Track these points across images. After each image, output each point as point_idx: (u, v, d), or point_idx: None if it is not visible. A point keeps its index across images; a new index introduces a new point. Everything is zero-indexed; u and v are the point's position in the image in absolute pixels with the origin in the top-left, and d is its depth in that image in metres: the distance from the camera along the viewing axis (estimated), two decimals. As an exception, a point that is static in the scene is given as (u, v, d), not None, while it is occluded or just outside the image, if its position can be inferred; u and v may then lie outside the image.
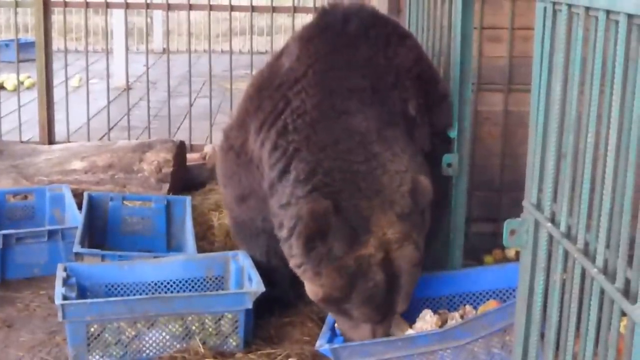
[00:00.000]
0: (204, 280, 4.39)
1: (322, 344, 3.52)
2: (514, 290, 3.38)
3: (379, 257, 3.43)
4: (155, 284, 4.34)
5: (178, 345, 3.91)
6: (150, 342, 3.89)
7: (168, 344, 3.91)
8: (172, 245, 5.41)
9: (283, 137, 3.69)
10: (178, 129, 8.57)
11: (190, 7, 7.49)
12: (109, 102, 7.68)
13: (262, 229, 4.00)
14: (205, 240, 5.39)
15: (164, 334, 3.90)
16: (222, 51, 13.69)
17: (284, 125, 3.71)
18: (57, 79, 7.78)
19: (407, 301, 3.60)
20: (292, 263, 3.59)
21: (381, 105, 3.74)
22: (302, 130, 3.65)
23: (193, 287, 4.38)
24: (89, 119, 7.51)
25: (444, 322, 3.78)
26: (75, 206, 5.29)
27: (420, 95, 3.89)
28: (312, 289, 3.56)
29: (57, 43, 10.54)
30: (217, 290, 4.36)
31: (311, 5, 7.93)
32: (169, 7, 7.57)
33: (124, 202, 5.48)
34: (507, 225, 2.60)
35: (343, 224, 3.40)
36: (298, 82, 3.79)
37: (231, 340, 3.97)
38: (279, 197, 3.65)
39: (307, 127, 3.65)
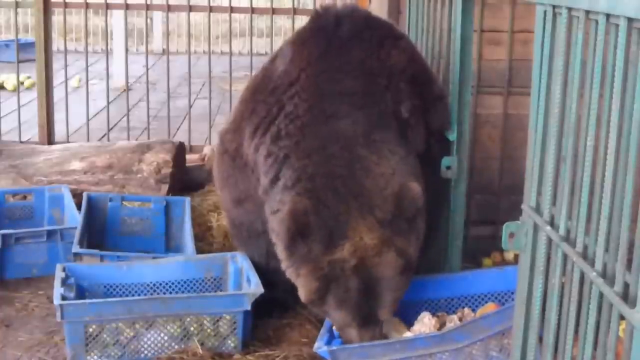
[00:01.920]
0: (203, 281, 4.39)
1: (320, 346, 3.52)
2: (512, 293, 3.37)
3: (352, 263, 3.43)
4: (154, 285, 4.34)
5: (176, 346, 3.91)
6: (149, 342, 3.89)
7: (166, 344, 3.91)
8: (170, 246, 5.41)
9: (276, 143, 3.71)
10: (177, 130, 8.56)
11: (190, 8, 7.48)
12: (108, 103, 7.67)
13: (262, 231, 4.01)
14: (204, 241, 5.39)
15: (162, 334, 3.90)
16: (221, 52, 13.68)
17: (277, 131, 3.73)
18: (57, 80, 7.77)
19: (391, 309, 3.59)
20: (282, 266, 3.63)
21: (372, 108, 3.73)
22: (293, 136, 3.68)
23: (192, 288, 4.38)
24: (88, 120, 7.50)
25: (442, 324, 3.77)
26: (74, 206, 5.29)
27: (415, 96, 3.89)
28: (298, 290, 3.60)
29: (57, 43, 10.54)
30: (215, 291, 4.36)
31: (311, 7, 7.93)
32: (169, 8, 7.57)
33: (123, 202, 5.47)
34: (506, 228, 2.61)
35: (321, 225, 3.43)
36: (292, 86, 3.81)
37: (229, 342, 3.97)
38: (270, 203, 3.68)
39: (297, 133, 3.68)
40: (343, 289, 3.49)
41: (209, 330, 3.94)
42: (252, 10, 7.41)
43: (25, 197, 5.64)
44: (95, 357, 3.86)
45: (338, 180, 3.51)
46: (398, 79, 3.86)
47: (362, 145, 3.59)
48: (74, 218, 5.15)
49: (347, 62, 3.84)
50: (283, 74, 3.88)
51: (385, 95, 3.80)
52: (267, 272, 4.10)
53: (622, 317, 1.98)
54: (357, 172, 3.52)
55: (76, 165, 6.08)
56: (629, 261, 1.94)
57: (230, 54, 7.67)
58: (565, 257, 2.33)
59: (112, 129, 7.85)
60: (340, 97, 3.73)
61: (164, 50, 13.78)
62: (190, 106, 7.70)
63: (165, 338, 3.91)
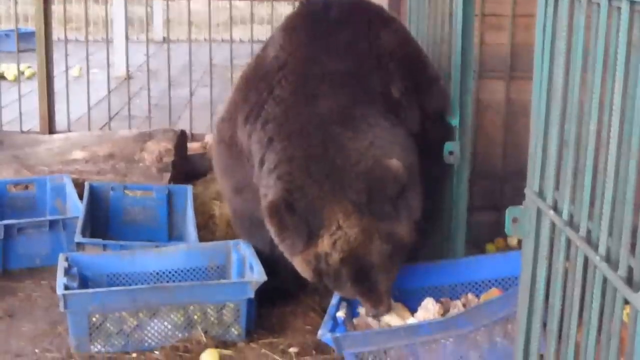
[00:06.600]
0: (206, 269, 4.39)
1: (324, 333, 3.52)
2: (516, 279, 3.36)
3: (335, 257, 3.45)
4: (157, 274, 4.33)
5: (180, 335, 3.91)
6: (152, 331, 3.89)
7: (170, 333, 3.91)
8: (173, 234, 5.40)
9: (264, 128, 3.72)
10: (179, 118, 8.53)
11: (191, -4, 7.47)
12: (109, 92, 7.66)
13: (263, 219, 4.01)
14: (206, 230, 5.38)
15: (165, 323, 3.90)
16: (222, 40, 13.61)
17: (266, 116, 3.73)
18: (58, 69, 7.74)
19: (389, 283, 3.59)
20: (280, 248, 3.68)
21: (356, 87, 3.72)
22: (277, 119, 3.69)
23: (195, 276, 4.37)
24: (89, 109, 7.49)
25: (446, 310, 3.77)
26: (76, 196, 5.28)
27: (407, 77, 3.87)
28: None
29: (57, 33, 10.46)
30: (218, 279, 4.36)
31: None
32: (169, -4, 7.56)
33: (125, 191, 5.46)
34: (509, 213, 2.60)
35: (297, 220, 3.45)
36: (280, 71, 3.81)
37: (233, 330, 3.97)
38: (261, 188, 3.69)
39: (281, 115, 3.69)
40: (334, 278, 3.54)
41: (212, 319, 3.94)
42: (253, -2, 7.40)
43: (27, 187, 5.62)
44: (99, 346, 3.86)
45: (312, 160, 3.51)
46: (388, 60, 3.85)
47: (337, 122, 3.58)
48: (76, 208, 5.15)
49: (335, 44, 3.84)
50: (274, 60, 3.90)
51: (372, 75, 3.78)
52: (271, 260, 4.09)
53: (626, 302, 1.97)
54: (330, 151, 3.51)
55: (78, 154, 6.07)
56: (633, 245, 1.94)
57: (231, 41, 7.65)
58: (568, 241, 2.32)
59: (113, 118, 7.82)
60: (323, 77, 3.73)
61: (164, 38, 13.72)
62: (192, 94, 7.68)
63: (169, 327, 3.91)
